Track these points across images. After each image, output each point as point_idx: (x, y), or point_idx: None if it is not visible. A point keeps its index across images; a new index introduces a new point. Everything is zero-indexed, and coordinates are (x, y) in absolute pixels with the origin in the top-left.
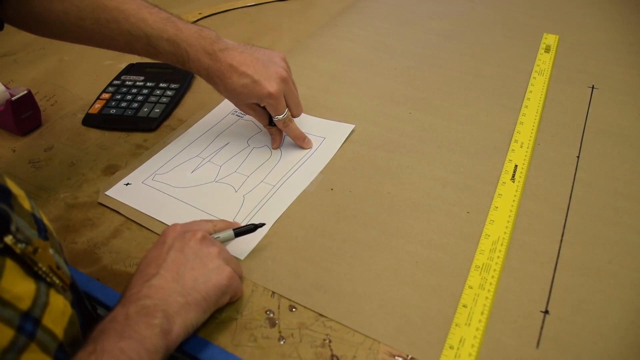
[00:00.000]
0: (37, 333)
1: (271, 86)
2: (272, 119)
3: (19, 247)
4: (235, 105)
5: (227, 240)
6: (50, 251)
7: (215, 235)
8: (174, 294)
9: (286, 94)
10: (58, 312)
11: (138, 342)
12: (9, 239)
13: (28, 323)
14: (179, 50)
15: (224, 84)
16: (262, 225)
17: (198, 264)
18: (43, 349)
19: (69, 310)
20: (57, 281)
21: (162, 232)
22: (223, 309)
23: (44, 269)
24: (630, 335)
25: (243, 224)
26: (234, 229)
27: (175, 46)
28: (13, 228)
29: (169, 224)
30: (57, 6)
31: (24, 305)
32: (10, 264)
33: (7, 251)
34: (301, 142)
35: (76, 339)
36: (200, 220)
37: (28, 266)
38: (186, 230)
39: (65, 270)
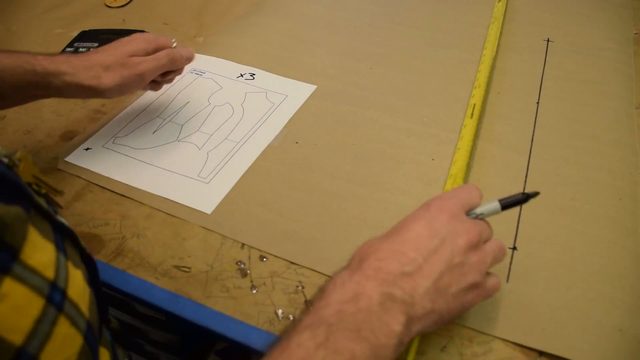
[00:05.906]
0: (64, 305)
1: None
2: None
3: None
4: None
5: (491, 214)
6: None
7: (479, 210)
8: (425, 296)
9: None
10: (80, 288)
11: (371, 350)
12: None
13: (56, 293)
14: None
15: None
16: (535, 194)
17: (458, 271)
18: (73, 323)
19: (87, 289)
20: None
21: (427, 204)
22: (192, 264)
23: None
24: (594, 265)
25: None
26: (499, 200)
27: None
28: None
29: (134, 186)
30: None
31: (50, 274)
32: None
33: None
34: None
35: (95, 325)
36: (471, 189)
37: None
38: (459, 219)
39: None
